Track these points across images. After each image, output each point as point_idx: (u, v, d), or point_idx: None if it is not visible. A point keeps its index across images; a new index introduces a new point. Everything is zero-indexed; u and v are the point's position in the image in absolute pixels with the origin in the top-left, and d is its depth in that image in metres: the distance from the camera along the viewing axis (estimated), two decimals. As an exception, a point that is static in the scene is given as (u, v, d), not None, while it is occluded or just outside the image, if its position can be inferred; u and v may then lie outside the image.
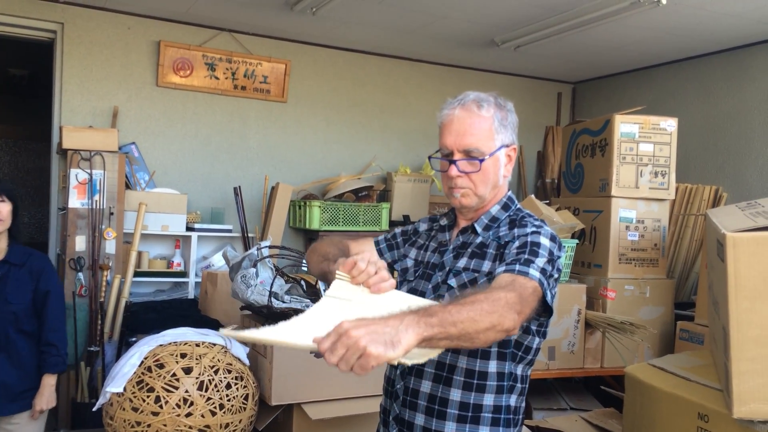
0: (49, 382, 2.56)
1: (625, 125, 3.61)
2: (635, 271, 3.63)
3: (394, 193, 4.66)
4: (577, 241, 3.65)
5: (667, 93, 4.86)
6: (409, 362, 1.07)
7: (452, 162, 1.48)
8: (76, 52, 4.08)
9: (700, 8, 3.60)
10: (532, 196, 3.72)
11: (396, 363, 1.06)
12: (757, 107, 4.26)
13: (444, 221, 1.63)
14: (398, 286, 1.57)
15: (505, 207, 1.54)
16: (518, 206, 1.56)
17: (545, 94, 5.61)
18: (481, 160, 1.46)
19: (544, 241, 1.41)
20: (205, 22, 4.31)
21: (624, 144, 3.59)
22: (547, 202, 4.04)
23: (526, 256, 1.35)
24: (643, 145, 3.61)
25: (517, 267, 1.33)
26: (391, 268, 1.65)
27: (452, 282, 1.48)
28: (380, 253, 1.68)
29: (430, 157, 1.58)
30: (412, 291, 1.56)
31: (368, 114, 4.96)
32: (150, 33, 4.26)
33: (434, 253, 1.59)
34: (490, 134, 1.48)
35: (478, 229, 1.52)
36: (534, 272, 1.31)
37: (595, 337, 3.55)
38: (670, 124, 3.63)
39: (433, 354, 1.12)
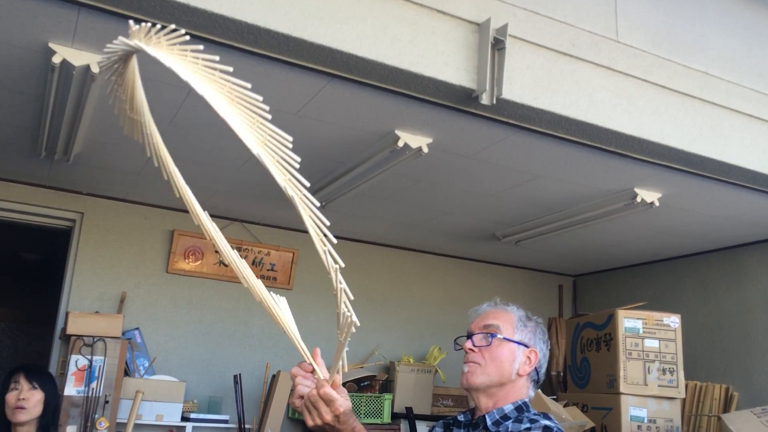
0: None
1: (629, 320, 3.62)
2: (651, 475, 3.45)
3: (397, 383, 4.55)
4: (587, 440, 3.50)
5: (666, 289, 4.93)
6: None
7: (470, 337, 1.57)
8: (92, 239, 4.22)
9: (692, 210, 3.77)
10: (539, 390, 3.64)
11: None
12: (758, 306, 4.29)
13: (461, 417, 1.63)
14: None
15: (519, 409, 1.53)
16: (534, 412, 1.53)
17: (547, 286, 5.69)
18: (494, 336, 1.54)
19: None
20: (218, 212, 4.51)
21: (629, 339, 3.57)
22: (554, 397, 3.93)
23: None
24: (648, 341, 3.60)
25: None
26: None
27: None
28: None
29: (455, 340, 1.65)
30: None
31: (372, 302, 5.00)
32: (165, 222, 4.43)
33: None
34: (511, 324, 1.58)
35: (488, 422, 1.50)
36: None
37: None
38: (674, 320, 3.65)
39: None
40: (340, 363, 1.25)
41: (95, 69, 2.43)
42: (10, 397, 2.41)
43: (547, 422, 1.46)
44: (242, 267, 1.25)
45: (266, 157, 0.94)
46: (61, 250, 4.48)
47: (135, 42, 0.94)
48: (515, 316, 1.61)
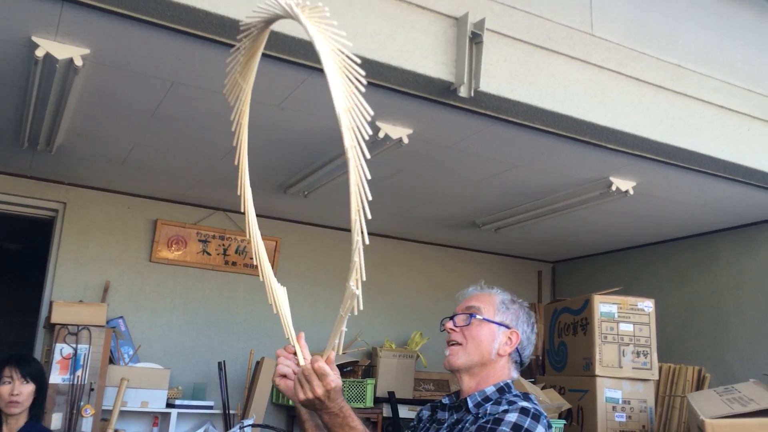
0: None
1: (604, 305, 3.72)
2: (625, 454, 3.56)
3: (379, 368, 4.63)
4: (564, 421, 3.60)
5: (642, 274, 5.05)
6: None
7: (452, 318, 1.62)
8: (75, 229, 4.24)
9: (665, 198, 3.88)
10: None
11: None
12: (729, 291, 4.42)
13: (446, 400, 1.67)
14: None
15: (500, 390, 1.56)
16: (515, 393, 1.56)
17: (526, 272, 5.80)
18: (473, 316, 1.58)
19: (510, 418, 1.43)
20: (201, 202, 4.54)
21: (604, 323, 3.68)
22: (533, 380, 4.03)
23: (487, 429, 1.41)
24: (623, 325, 3.70)
25: None
26: None
27: None
28: None
29: (441, 321, 1.68)
30: None
31: (355, 290, 5.06)
32: (148, 212, 4.46)
33: None
34: (492, 306, 1.62)
35: (470, 405, 1.54)
36: None
37: None
38: (648, 305, 3.75)
39: None
40: (336, 341, 1.30)
41: (78, 62, 2.46)
42: (3, 390, 2.44)
43: (524, 404, 1.48)
44: (261, 251, 1.39)
45: (345, 122, 1.06)
46: (43, 240, 4.49)
47: (290, 7, 1.08)
48: (498, 299, 1.64)
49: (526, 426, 1.42)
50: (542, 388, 3.83)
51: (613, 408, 3.61)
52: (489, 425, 1.43)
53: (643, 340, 3.70)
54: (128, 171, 3.95)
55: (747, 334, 4.27)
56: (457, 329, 1.61)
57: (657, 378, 3.73)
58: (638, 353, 3.68)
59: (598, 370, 3.60)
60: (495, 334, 1.59)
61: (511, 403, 1.49)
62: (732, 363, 4.29)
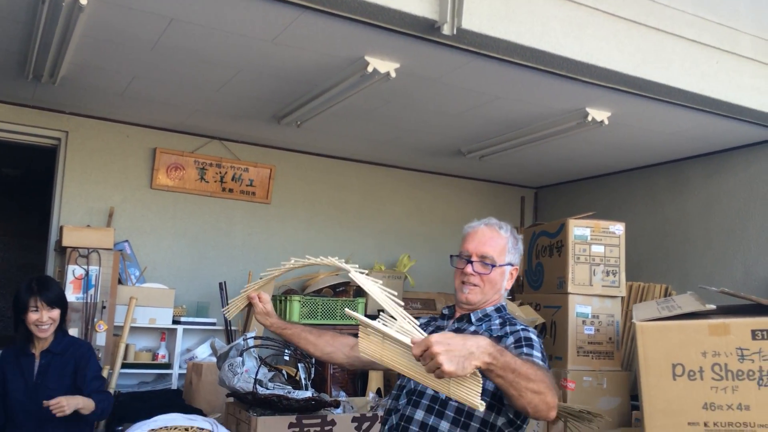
0: (83, 400, 2.63)
1: (578, 229, 4.00)
2: (593, 363, 3.91)
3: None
4: (539, 334, 3.94)
5: (619, 199, 5.32)
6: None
7: (470, 262, 1.84)
8: (78, 157, 4.43)
9: (639, 128, 4.09)
10: (496, 291, 4.04)
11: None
12: (697, 214, 4.71)
13: (445, 311, 1.96)
14: None
15: (498, 310, 1.86)
16: (508, 312, 1.87)
17: (509, 198, 6.06)
18: (492, 266, 1.83)
19: (534, 337, 1.71)
20: (198, 131, 4.72)
21: (577, 245, 3.96)
22: (510, 297, 4.36)
23: (525, 350, 1.64)
24: (595, 247, 3.99)
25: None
26: None
27: None
28: None
29: (451, 256, 1.92)
30: None
31: (346, 215, 5.33)
32: (147, 140, 4.64)
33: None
34: (503, 251, 1.87)
35: (473, 319, 1.83)
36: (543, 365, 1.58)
37: (558, 426, 3.78)
38: (618, 228, 4.03)
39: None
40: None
41: (83, 1, 2.60)
42: (32, 318, 2.67)
43: (525, 325, 1.76)
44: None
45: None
46: (42, 167, 4.66)
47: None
48: (508, 242, 1.88)
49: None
50: (519, 305, 4.15)
51: (583, 322, 3.94)
52: (524, 342, 1.68)
53: (612, 261, 4.00)
54: (128, 101, 4.12)
55: (711, 255, 4.58)
56: (475, 274, 1.84)
57: (624, 295, 4.04)
58: (608, 272, 3.98)
59: (570, 288, 3.91)
60: (505, 274, 1.86)
61: (513, 323, 1.78)
62: (696, 281, 4.62)
